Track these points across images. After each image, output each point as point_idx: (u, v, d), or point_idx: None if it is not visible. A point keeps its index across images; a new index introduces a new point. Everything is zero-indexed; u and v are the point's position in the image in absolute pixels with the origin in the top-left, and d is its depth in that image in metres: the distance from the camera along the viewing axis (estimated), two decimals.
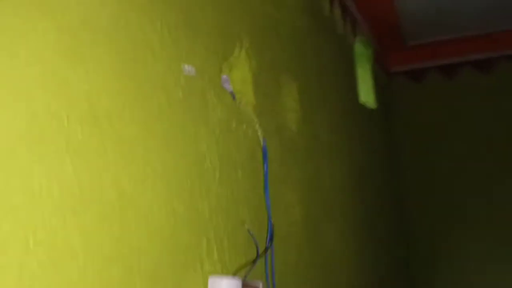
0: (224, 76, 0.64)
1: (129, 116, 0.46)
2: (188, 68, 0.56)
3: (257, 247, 0.65)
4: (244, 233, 0.65)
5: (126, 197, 0.45)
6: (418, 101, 2.33)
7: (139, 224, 0.46)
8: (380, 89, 1.80)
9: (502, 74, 2.18)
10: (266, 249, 0.70)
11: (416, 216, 2.36)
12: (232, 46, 0.69)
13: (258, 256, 0.64)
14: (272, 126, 0.78)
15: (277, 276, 0.75)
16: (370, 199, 1.62)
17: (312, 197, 1.00)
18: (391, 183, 2.15)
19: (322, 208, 1.09)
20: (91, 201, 0.41)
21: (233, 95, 0.65)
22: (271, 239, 0.70)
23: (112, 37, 0.46)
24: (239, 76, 0.67)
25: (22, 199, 0.35)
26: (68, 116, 0.39)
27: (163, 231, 0.49)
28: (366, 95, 1.43)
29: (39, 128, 0.37)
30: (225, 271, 0.60)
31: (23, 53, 0.36)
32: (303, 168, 0.96)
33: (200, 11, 0.62)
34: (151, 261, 0.47)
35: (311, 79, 1.06)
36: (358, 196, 1.44)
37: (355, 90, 1.42)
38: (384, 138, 2.13)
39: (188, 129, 0.55)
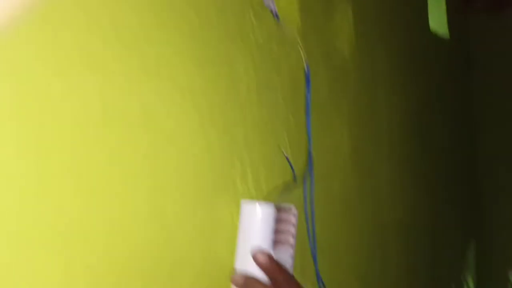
0: None
1: (156, 35, 0.45)
2: None
3: (293, 172, 0.64)
4: (281, 159, 0.64)
5: (152, 116, 0.44)
6: (500, 37, 2.10)
7: (167, 144, 0.46)
8: (453, 20, 1.65)
9: None
10: (304, 176, 0.69)
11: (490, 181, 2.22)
12: None
13: (294, 179, 0.63)
14: (319, 51, 0.74)
15: (317, 205, 0.75)
16: (433, 147, 1.54)
17: (364, 133, 0.97)
18: (461, 134, 2.02)
19: (375, 145, 1.05)
20: (115, 119, 0.41)
21: (276, 15, 0.62)
22: (311, 165, 0.69)
23: None
24: None
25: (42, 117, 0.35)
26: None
27: (192, 153, 0.49)
28: (438, 21, 1.31)
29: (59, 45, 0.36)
30: (259, 195, 0.60)
31: None
32: (355, 101, 0.91)
33: None
34: (180, 181, 0.48)
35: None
36: (418, 140, 1.37)
37: (424, 15, 1.30)
38: (457, 80, 1.97)
39: (223, 51, 0.54)
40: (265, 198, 0.61)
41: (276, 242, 0.57)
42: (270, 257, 0.55)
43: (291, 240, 0.60)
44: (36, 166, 0.34)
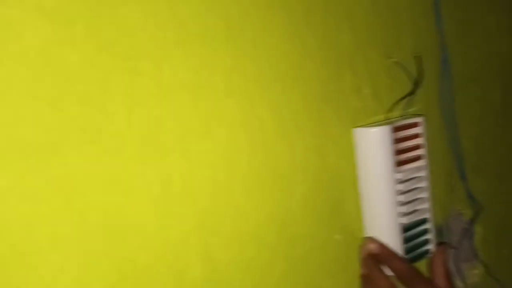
0: None
1: None
2: None
3: (413, 77, 0.56)
4: (408, 65, 0.56)
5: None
6: None
7: (255, 56, 0.44)
8: None
9: None
10: (441, 82, 0.60)
11: None
12: None
13: (414, 88, 0.55)
14: None
15: (458, 119, 0.65)
16: None
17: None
18: None
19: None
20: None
21: None
22: (445, 65, 0.59)
23: None
24: None
25: None
26: None
27: (290, 63, 0.47)
28: None
29: None
30: (379, 109, 0.54)
31: None
32: None
33: None
34: (276, 96, 0.46)
35: None
36: None
37: None
38: None
39: None
40: (387, 113, 0.55)
41: (402, 163, 0.52)
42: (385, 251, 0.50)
43: (422, 156, 0.54)
44: None
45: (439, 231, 0.66)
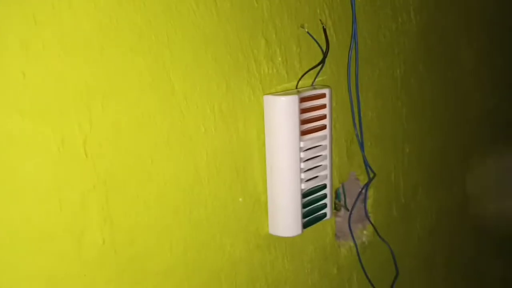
0: None
1: None
2: None
3: (323, 49, 0.58)
4: (320, 36, 0.57)
5: None
6: None
7: (167, 17, 0.43)
8: None
9: None
10: (349, 55, 0.62)
11: None
12: None
13: (324, 59, 0.57)
14: None
15: (363, 91, 0.69)
16: None
17: (442, 0, 0.84)
18: None
19: (460, 15, 0.91)
20: None
21: None
22: (355, 38, 0.62)
23: None
24: None
25: None
26: None
27: (202, 27, 0.46)
28: None
29: None
30: (292, 77, 0.56)
31: None
32: None
33: None
34: (186, 59, 0.45)
35: None
36: None
37: None
38: None
39: None
40: (297, 81, 0.56)
41: (306, 132, 0.54)
42: None
43: (326, 126, 0.57)
44: None
45: (336, 194, 0.71)
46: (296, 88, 0.56)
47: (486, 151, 1.15)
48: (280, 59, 0.54)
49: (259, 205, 0.55)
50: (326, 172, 0.58)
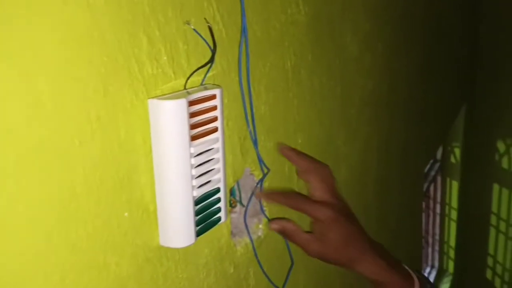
0: None
1: None
2: None
3: (211, 48, 0.55)
4: (207, 32, 0.54)
5: None
6: None
7: (31, 18, 0.36)
8: None
9: None
10: (239, 51, 0.60)
11: None
12: None
13: (212, 58, 0.54)
14: None
15: (255, 85, 0.67)
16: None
17: None
18: None
19: (345, 4, 0.93)
20: None
21: None
22: (245, 33, 0.59)
23: None
24: None
25: None
26: None
27: (72, 25, 0.40)
28: None
29: None
30: (179, 77, 0.52)
31: None
32: None
33: None
34: (55, 62, 0.39)
35: None
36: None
37: None
38: None
39: None
40: (186, 83, 0.52)
41: (197, 137, 0.51)
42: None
43: (218, 128, 0.54)
44: None
45: (231, 192, 0.69)
46: (185, 88, 0.52)
47: (370, 129, 1.21)
48: (165, 58, 0.49)
49: (148, 216, 0.51)
50: (220, 175, 0.55)
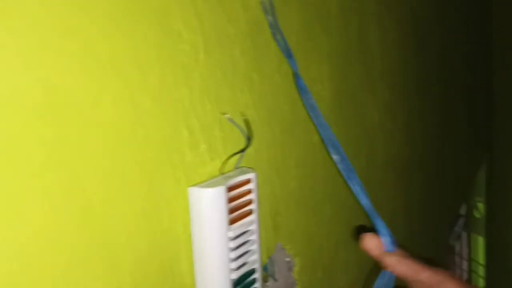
0: None
1: None
2: None
3: (246, 134, 0.57)
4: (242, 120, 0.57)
5: (63, 95, 0.37)
6: None
7: (81, 125, 0.39)
8: None
9: None
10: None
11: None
12: None
13: (248, 145, 0.57)
14: None
15: (285, 161, 0.69)
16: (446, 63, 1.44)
17: (349, 69, 0.88)
18: (478, 48, 1.90)
19: (365, 76, 0.96)
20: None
21: None
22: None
23: None
24: None
25: None
26: None
27: (121, 129, 0.42)
28: None
29: None
30: (217, 163, 0.54)
31: None
32: (336, 34, 0.82)
33: None
34: (104, 168, 0.41)
35: None
36: (417, 63, 1.28)
37: None
38: None
39: (155, 1, 0.44)
40: (223, 167, 0.55)
41: (234, 220, 0.52)
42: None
43: (253, 210, 0.55)
44: None
45: (264, 267, 0.70)
46: (221, 172, 0.54)
47: (395, 193, 1.21)
48: (204, 146, 0.52)
49: None
50: (256, 256, 0.56)
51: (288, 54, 0.62)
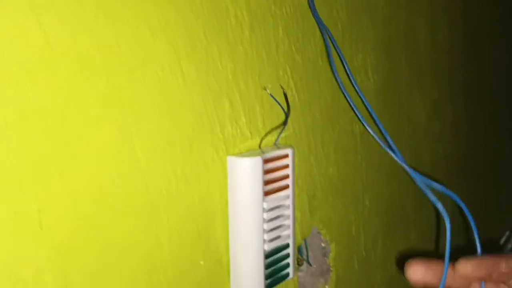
0: None
1: None
2: None
3: (285, 111, 0.59)
4: (281, 98, 0.59)
5: (115, 55, 0.41)
6: None
7: (132, 84, 0.42)
8: None
9: None
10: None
11: None
12: None
13: (286, 121, 0.58)
14: None
15: (324, 147, 0.70)
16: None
17: (396, 60, 0.88)
18: None
19: (412, 73, 0.96)
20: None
21: None
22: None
23: None
24: None
25: None
26: None
27: (167, 93, 0.46)
28: None
29: None
30: (256, 137, 0.56)
31: None
32: (383, 27, 0.82)
33: None
34: (151, 125, 0.45)
35: None
36: (471, 62, 1.25)
37: None
38: None
39: None
40: (261, 143, 0.57)
41: (269, 192, 0.54)
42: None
43: (289, 185, 0.57)
44: None
45: (299, 250, 0.71)
46: (259, 147, 0.57)
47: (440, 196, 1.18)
48: (244, 120, 0.54)
49: (221, 267, 0.54)
50: (289, 231, 0.58)
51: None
